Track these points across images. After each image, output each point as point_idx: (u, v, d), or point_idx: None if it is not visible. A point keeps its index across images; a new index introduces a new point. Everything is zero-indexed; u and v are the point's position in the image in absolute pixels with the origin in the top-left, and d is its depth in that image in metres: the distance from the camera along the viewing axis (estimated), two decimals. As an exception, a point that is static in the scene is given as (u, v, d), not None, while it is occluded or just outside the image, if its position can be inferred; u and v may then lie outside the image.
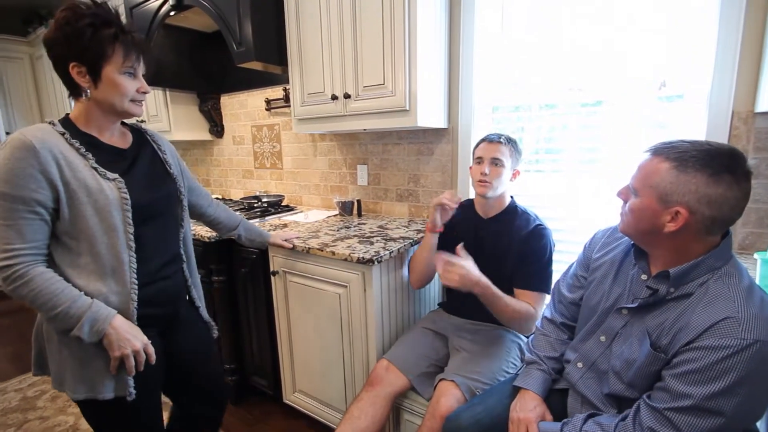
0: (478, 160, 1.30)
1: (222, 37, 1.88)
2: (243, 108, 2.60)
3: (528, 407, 0.97)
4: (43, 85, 3.79)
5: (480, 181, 1.28)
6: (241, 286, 1.79)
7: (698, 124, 1.29)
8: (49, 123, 0.90)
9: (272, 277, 1.63)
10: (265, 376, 1.83)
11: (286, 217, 2.06)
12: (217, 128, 2.76)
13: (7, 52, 3.70)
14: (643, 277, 0.89)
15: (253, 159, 2.65)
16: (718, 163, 0.73)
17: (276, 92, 2.35)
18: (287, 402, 1.75)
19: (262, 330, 1.77)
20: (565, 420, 0.90)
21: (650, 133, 1.39)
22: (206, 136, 2.81)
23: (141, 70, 0.96)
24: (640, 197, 0.82)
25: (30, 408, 1.93)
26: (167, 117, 2.56)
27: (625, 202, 0.87)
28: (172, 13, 2.04)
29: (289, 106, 2.26)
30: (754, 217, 1.25)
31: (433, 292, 1.79)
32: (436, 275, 1.35)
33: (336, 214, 2.07)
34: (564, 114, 1.53)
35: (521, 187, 1.56)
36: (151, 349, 0.94)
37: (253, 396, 1.94)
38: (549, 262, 1.26)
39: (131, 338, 0.90)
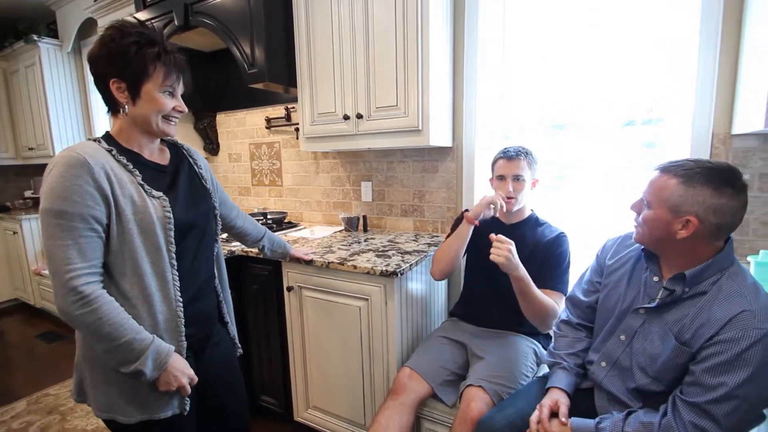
0: (500, 177, 1.39)
1: (219, 56, 1.91)
2: (241, 126, 2.62)
3: (553, 397, 1.04)
4: (18, 101, 3.63)
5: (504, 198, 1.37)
6: (252, 304, 1.79)
7: (683, 144, 1.45)
8: (94, 140, 0.90)
9: (287, 293, 1.64)
10: (275, 395, 1.82)
11: (292, 234, 2.08)
12: (212, 146, 2.75)
13: (-21, 67, 3.55)
14: (655, 279, 0.99)
15: (250, 176, 2.66)
16: (720, 177, 0.85)
17: (277, 111, 2.39)
18: (299, 420, 1.74)
19: (273, 347, 1.76)
20: (600, 417, 0.96)
21: (640, 152, 1.54)
22: (201, 153, 2.78)
23: (180, 90, 0.98)
24: (653, 209, 0.93)
25: (17, 441, 1.81)
26: (163, 134, 2.53)
27: (638, 213, 0.98)
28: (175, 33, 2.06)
29: (291, 124, 2.31)
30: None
31: (441, 304, 1.85)
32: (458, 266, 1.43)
33: (341, 230, 2.11)
34: (562, 135, 1.67)
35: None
36: (195, 379, 0.96)
37: (262, 416, 1.91)
38: (568, 267, 1.36)
39: (179, 374, 0.91)
